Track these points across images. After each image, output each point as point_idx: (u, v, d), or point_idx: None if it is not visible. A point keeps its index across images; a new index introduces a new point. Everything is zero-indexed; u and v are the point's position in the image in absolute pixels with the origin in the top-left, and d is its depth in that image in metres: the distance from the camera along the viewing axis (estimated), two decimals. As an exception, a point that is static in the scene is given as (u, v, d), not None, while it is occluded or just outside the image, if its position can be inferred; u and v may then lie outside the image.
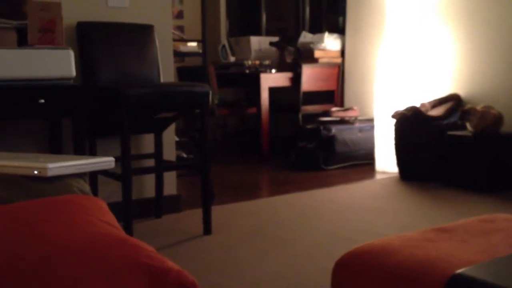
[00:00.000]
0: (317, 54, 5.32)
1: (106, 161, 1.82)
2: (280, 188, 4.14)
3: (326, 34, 5.38)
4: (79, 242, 1.13)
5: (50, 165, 1.63)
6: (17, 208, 1.37)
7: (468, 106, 4.01)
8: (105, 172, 2.82)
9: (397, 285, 1.33)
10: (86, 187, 1.68)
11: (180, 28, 6.26)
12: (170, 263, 1.11)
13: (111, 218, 1.36)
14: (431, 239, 1.49)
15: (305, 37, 5.55)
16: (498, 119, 3.87)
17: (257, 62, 5.47)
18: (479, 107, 3.91)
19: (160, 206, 3.30)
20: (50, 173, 1.63)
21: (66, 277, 1.03)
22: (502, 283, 1.12)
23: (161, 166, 3.25)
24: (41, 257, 1.08)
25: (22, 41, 2.60)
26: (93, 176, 2.98)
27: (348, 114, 5.00)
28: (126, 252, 1.10)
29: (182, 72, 5.40)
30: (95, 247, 1.11)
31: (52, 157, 1.83)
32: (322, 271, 2.36)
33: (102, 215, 1.34)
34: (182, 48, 4.92)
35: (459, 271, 1.19)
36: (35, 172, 1.63)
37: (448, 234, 1.52)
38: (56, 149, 2.86)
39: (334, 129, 4.78)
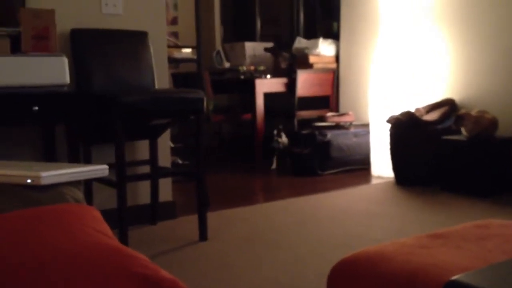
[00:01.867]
0: (311, 59, 5.33)
1: (100, 169, 1.81)
2: (275, 193, 4.13)
3: (321, 40, 5.39)
4: (72, 252, 1.13)
5: (44, 174, 1.62)
6: (10, 217, 1.36)
7: (462, 111, 4.02)
8: (99, 179, 2.81)
9: (392, 292, 1.33)
10: (80, 196, 1.67)
11: (175, 34, 6.26)
12: (164, 273, 1.10)
13: (105, 227, 1.36)
14: (426, 245, 1.49)
15: (300, 42, 5.55)
16: (493, 123, 3.87)
17: (252, 67, 5.47)
18: (473, 112, 3.92)
19: (155, 212, 3.29)
20: (43, 182, 1.62)
21: (59, 287, 1.02)
22: (497, 289, 1.12)
23: (156, 173, 3.24)
24: (33, 267, 1.07)
25: (16, 49, 2.59)
26: (87, 183, 2.97)
27: (343, 119, 5.00)
28: (119, 261, 1.09)
29: (176, 79, 5.39)
30: (88, 257, 1.11)
31: (46, 165, 1.82)
32: (318, 277, 2.35)
33: (95, 224, 1.33)
34: (176, 54, 4.92)
35: (454, 277, 1.19)
36: (29, 180, 1.62)
37: (443, 240, 1.52)
38: (50, 157, 2.84)
39: (330, 134, 4.79)
